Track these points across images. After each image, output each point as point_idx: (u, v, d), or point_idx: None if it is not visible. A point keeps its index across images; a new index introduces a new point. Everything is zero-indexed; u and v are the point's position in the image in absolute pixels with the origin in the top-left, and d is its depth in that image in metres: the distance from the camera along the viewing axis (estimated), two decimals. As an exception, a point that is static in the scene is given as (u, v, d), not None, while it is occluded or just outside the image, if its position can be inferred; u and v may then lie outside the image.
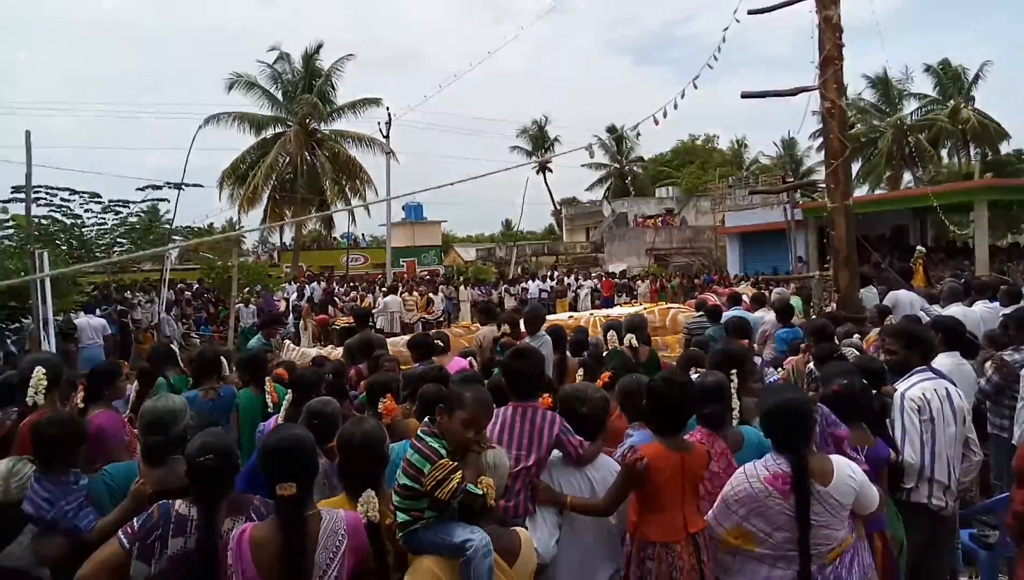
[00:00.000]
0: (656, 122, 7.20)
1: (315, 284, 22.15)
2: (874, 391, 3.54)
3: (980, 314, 7.19)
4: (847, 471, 2.59)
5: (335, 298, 19.67)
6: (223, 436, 2.60)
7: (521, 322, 6.45)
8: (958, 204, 20.48)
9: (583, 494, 2.89)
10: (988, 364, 5.02)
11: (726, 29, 7.47)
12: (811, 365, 5.21)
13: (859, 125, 35.22)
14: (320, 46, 29.69)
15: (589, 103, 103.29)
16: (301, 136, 28.08)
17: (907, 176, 37.42)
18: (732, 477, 2.68)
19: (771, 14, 7.84)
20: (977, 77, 36.01)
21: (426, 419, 2.50)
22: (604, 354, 5.86)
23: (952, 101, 35.49)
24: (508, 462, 2.60)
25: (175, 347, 7.90)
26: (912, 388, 3.49)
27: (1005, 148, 36.00)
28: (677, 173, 46.56)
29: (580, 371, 4.63)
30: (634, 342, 5.41)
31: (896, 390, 3.58)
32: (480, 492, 2.23)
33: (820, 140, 40.79)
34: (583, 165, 50.85)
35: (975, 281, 8.27)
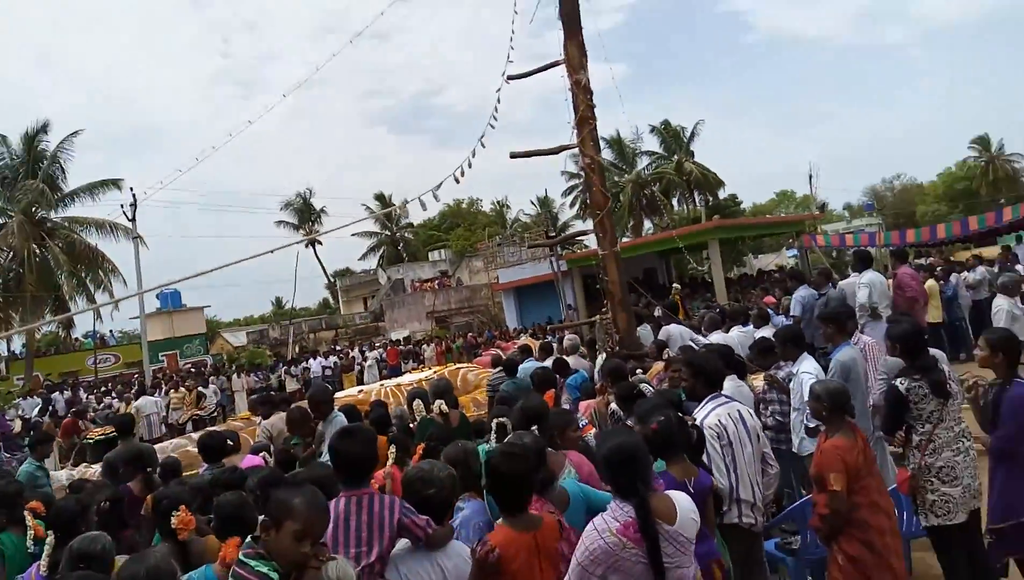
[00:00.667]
0: (457, 181, 7.27)
1: (57, 394, 19.20)
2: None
3: (737, 338, 8.05)
4: (687, 505, 2.60)
5: (84, 409, 17.14)
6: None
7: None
8: (695, 244, 23.18)
9: (434, 587, 2.61)
10: (759, 382, 5.57)
11: (499, 90, 7.81)
12: (612, 405, 5.40)
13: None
14: (45, 125, 26.44)
15: (352, 173, 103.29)
16: (26, 226, 24.51)
17: (647, 224, 41.97)
18: (583, 537, 2.55)
19: (515, 85, 8.34)
20: (693, 134, 41.72)
21: (248, 539, 2.09)
22: (413, 425, 5.61)
23: (676, 156, 40.69)
24: (352, 571, 2.25)
25: None
26: (708, 416, 3.69)
27: (723, 193, 41.81)
28: (446, 236, 47.82)
29: (392, 448, 4.33)
30: (444, 408, 5.22)
31: (693, 418, 3.78)
32: None
33: (571, 196, 44.86)
34: (354, 234, 50.34)
35: (728, 310, 9.26)
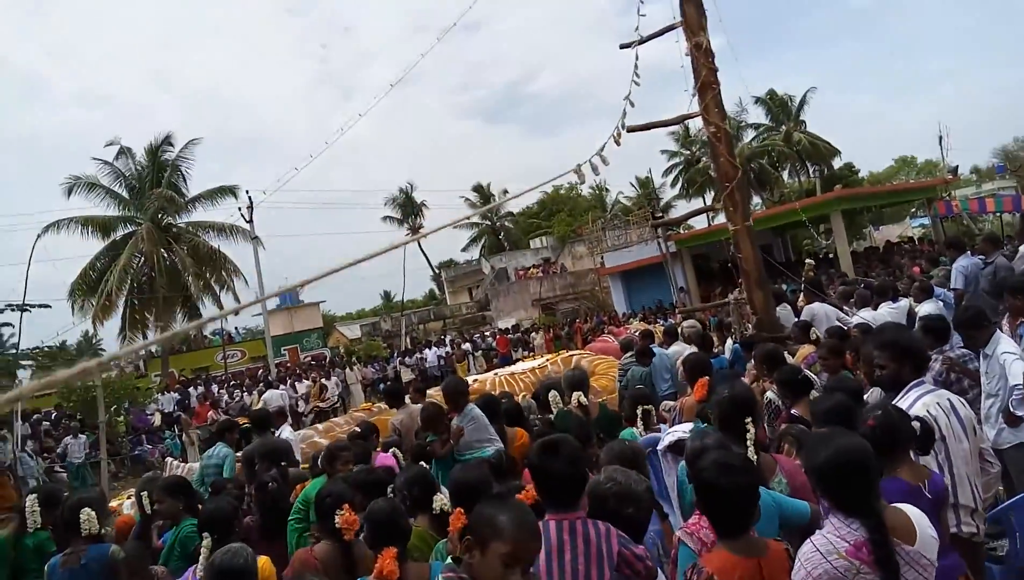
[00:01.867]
0: (617, 143, 6.94)
1: (192, 388, 20.33)
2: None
3: (888, 315, 7.31)
4: (924, 520, 2.16)
5: (217, 400, 18.06)
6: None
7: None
8: (814, 217, 21.81)
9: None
10: (937, 363, 4.92)
11: (635, 47, 7.40)
12: (769, 394, 4.92)
13: (705, 159, 37.51)
14: (168, 137, 28.10)
15: (449, 166, 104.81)
16: (155, 233, 26.13)
17: (755, 199, 40.08)
18: (801, 560, 2.14)
19: (609, 66, 7.90)
20: (803, 103, 39.42)
21: (448, 561, 1.84)
22: (551, 417, 5.32)
23: (784, 127, 38.61)
24: None
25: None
26: (915, 406, 3.15)
27: (838, 163, 39.32)
28: (547, 223, 47.53)
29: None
30: (583, 400, 4.89)
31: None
32: None
33: (672, 175, 43.52)
34: (456, 226, 50.94)
35: (875, 285, 8.47)
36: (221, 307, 29.90)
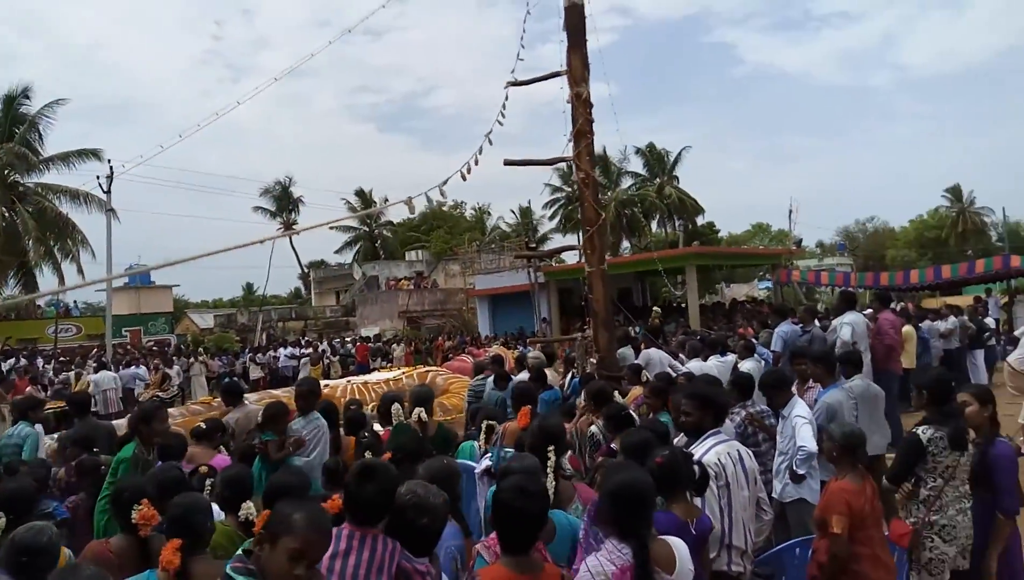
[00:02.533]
0: (464, 178, 7.10)
1: (12, 361, 18.56)
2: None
3: (715, 367, 7.98)
4: (685, 554, 2.46)
5: (40, 378, 16.59)
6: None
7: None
8: (672, 268, 23.27)
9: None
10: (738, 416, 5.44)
11: (507, 87, 7.68)
12: (594, 427, 5.26)
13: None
14: (26, 89, 25.83)
15: (334, 166, 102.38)
16: (-1, 189, 23.85)
17: (625, 244, 42.14)
18: (577, 578, 2.39)
19: (509, 96, 8.24)
20: (678, 159, 42.03)
21: (239, 551, 1.91)
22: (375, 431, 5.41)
23: (658, 180, 41.00)
24: None
25: None
26: (708, 453, 3.54)
27: (701, 220, 42.17)
28: (426, 237, 47.53)
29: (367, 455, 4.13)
30: (422, 416, 5.02)
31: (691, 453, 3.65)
32: None
33: (553, 209, 44.92)
34: (331, 227, 49.75)
35: (708, 338, 9.22)
36: (61, 276, 27.53)
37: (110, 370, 17.02)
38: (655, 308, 13.63)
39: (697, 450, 3.61)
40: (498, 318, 27.82)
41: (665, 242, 39.13)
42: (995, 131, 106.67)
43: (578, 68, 7.54)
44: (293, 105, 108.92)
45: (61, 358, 20.85)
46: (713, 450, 3.55)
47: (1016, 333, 10.95)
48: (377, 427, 5.58)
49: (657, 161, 42.16)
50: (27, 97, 25.85)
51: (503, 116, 7.71)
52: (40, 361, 20.16)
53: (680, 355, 9.15)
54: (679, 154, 42.20)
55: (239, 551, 1.95)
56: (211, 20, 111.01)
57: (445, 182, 6.67)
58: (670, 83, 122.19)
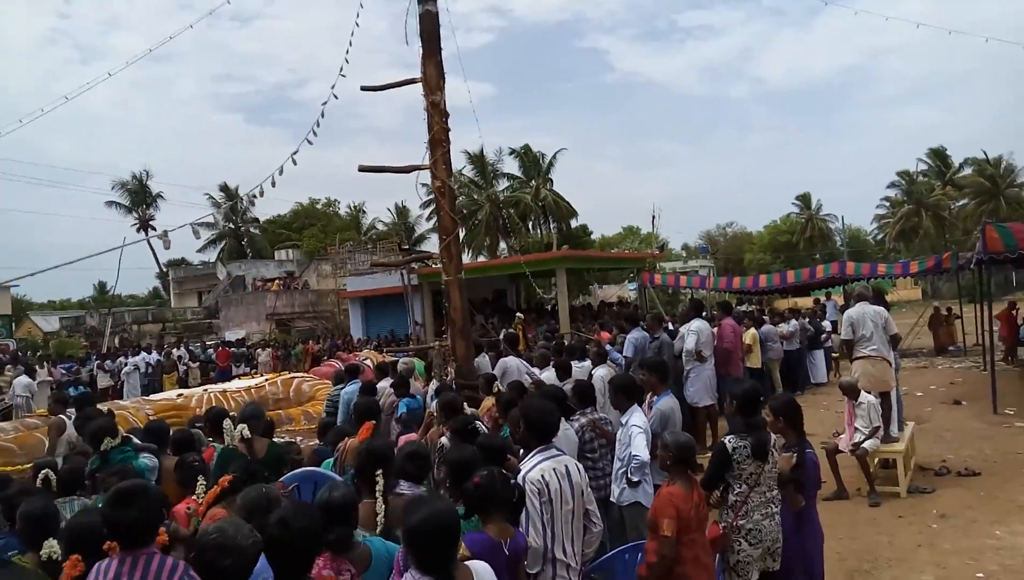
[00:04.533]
0: (262, 193, 6.86)
1: None
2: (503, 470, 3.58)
3: (572, 373, 8.19)
4: (488, 577, 2.49)
5: None
6: None
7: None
8: (543, 270, 23.74)
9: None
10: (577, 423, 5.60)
11: (324, 104, 7.51)
12: (443, 439, 5.25)
13: (461, 197, 39.16)
14: None
15: (197, 158, 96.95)
16: None
17: (502, 244, 42.63)
18: None
19: (386, 93, 8.14)
20: (552, 162, 42.93)
21: None
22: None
23: (534, 182, 41.70)
24: None
25: None
26: (533, 470, 3.59)
27: (575, 222, 43.29)
28: (297, 235, 45.99)
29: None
30: (246, 433, 4.78)
31: (519, 468, 3.71)
32: None
33: (429, 209, 44.69)
34: (194, 224, 47.15)
35: (567, 345, 9.45)
36: None
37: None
38: (518, 314, 13.86)
39: (525, 465, 3.68)
40: (371, 321, 27.34)
41: (541, 244, 39.85)
42: (839, 143, 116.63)
43: (433, 76, 7.52)
44: (151, 91, 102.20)
45: None
46: (539, 467, 3.61)
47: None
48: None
49: (532, 163, 42.88)
50: None
51: (315, 133, 7.57)
52: None
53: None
54: (554, 157, 43.17)
55: None
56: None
57: (253, 190, 6.47)
58: (545, 86, 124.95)
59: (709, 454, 4.81)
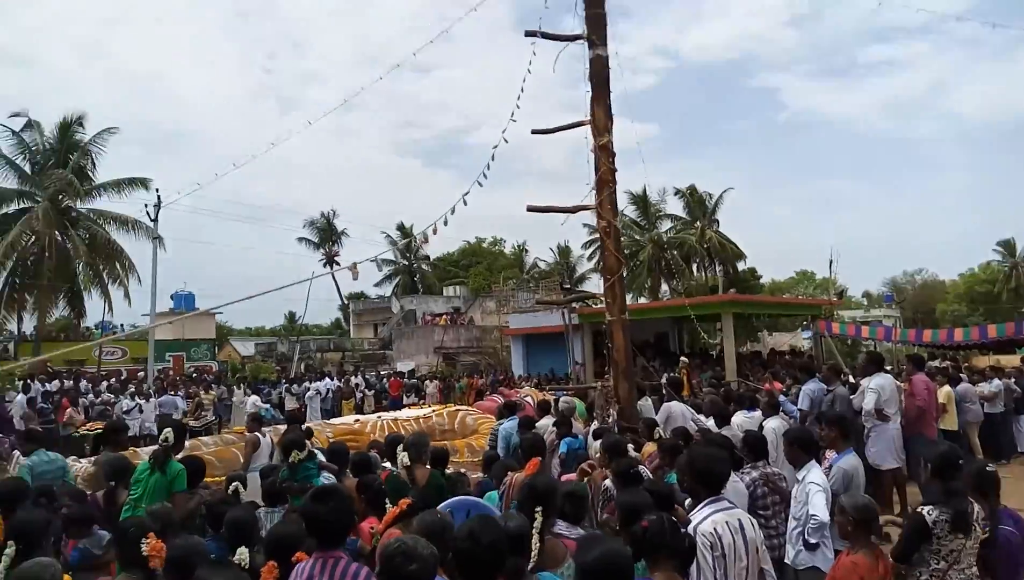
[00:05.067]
0: (435, 231, 7.22)
1: (56, 383, 19.12)
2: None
3: (738, 424, 7.83)
4: None
5: (76, 399, 17.05)
6: None
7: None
8: (708, 314, 22.99)
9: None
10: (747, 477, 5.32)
11: (495, 147, 7.81)
12: (606, 482, 5.21)
13: (623, 237, 38.98)
14: (81, 118, 26.98)
15: (378, 199, 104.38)
16: (51, 214, 24.84)
17: (664, 286, 41.84)
18: None
19: (552, 137, 8.38)
20: (718, 203, 41.76)
21: None
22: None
23: (699, 223, 40.73)
24: None
25: None
26: (704, 522, 3.47)
27: (743, 265, 41.66)
28: (464, 273, 47.95)
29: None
30: (405, 461, 5.01)
31: (689, 519, 3.59)
32: None
33: (591, 249, 44.88)
34: (371, 261, 50.62)
35: (734, 392, 9.07)
36: (109, 301, 28.29)
37: (150, 398, 17.39)
38: (682, 358, 13.46)
39: (695, 516, 3.56)
40: (532, 358, 27.77)
41: (706, 287, 38.70)
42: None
43: (601, 118, 7.64)
44: (340, 138, 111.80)
45: (104, 383, 21.34)
46: (711, 519, 3.48)
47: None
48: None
49: (698, 204, 41.97)
50: (81, 125, 26.95)
51: (485, 176, 7.84)
52: (85, 382, 20.73)
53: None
54: (720, 197, 42.00)
55: None
56: (263, 53, 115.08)
57: (425, 229, 6.83)
58: (712, 126, 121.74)
59: (891, 518, 4.40)
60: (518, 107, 7.82)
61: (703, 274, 42.36)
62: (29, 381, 18.34)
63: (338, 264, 50.44)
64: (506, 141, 7.76)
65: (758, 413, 8.06)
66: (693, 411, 8.12)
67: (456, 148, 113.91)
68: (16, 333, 30.49)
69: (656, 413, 8.15)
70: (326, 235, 50.25)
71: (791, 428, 5.76)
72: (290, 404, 21.36)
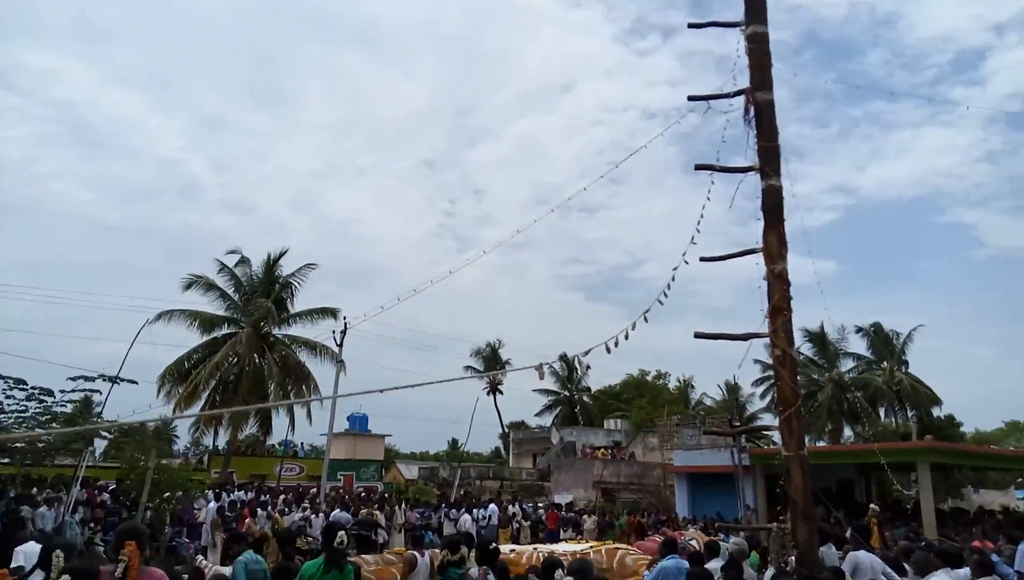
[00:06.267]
0: (608, 350, 7.16)
1: (239, 492, 20.61)
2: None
3: (940, 583, 6.82)
4: None
5: (255, 511, 18.18)
6: None
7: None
8: (901, 463, 20.70)
9: None
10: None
11: (675, 269, 7.77)
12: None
13: (800, 377, 36.62)
14: (284, 252, 30.52)
15: (542, 331, 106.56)
16: (253, 338, 27.81)
17: (847, 431, 38.38)
18: None
19: (718, 266, 8.28)
20: (907, 342, 38.43)
21: None
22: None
23: (886, 363, 37.53)
24: None
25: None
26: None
27: (937, 412, 37.49)
28: (626, 406, 46.99)
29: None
30: None
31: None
32: None
33: (763, 387, 42.51)
34: (534, 390, 51.18)
35: (937, 548, 7.97)
36: (293, 419, 30.76)
37: (319, 513, 18.24)
38: (872, 506, 12.06)
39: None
40: (697, 499, 26.18)
41: (896, 434, 35.06)
42: None
43: (775, 245, 7.49)
44: (509, 274, 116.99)
45: (283, 495, 22.67)
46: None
47: None
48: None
49: (883, 343, 38.85)
50: (281, 261, 30.41)
51: (665, 295, 7.75)
52: (264, 496, 22.15)
53: (904, 564, 7.96)
54: (909, 335, 38.68)
55: None
56: (446, 199, 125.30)
57: (587, 353, 6.84)
58: (897, 263, 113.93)
59: None
60: (694, 242, 7.85)
61: (892, 419, 38.53)
62: (220, 491, 19.95)
63: (501, 392, 51.56)
64: (686, 262, 7.76)
65: (965, 570, 7.02)
66: (884, 563, 7.22)
67: (619, 283, 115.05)
68: (211, 446, 33.69)
69: (841, 563, 7.32)
70: (491, 364, 51.76)
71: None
72: (448, 529, 21.44)
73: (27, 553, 7.02)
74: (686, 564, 7.13)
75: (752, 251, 7.70)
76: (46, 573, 4.31)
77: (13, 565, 7.03)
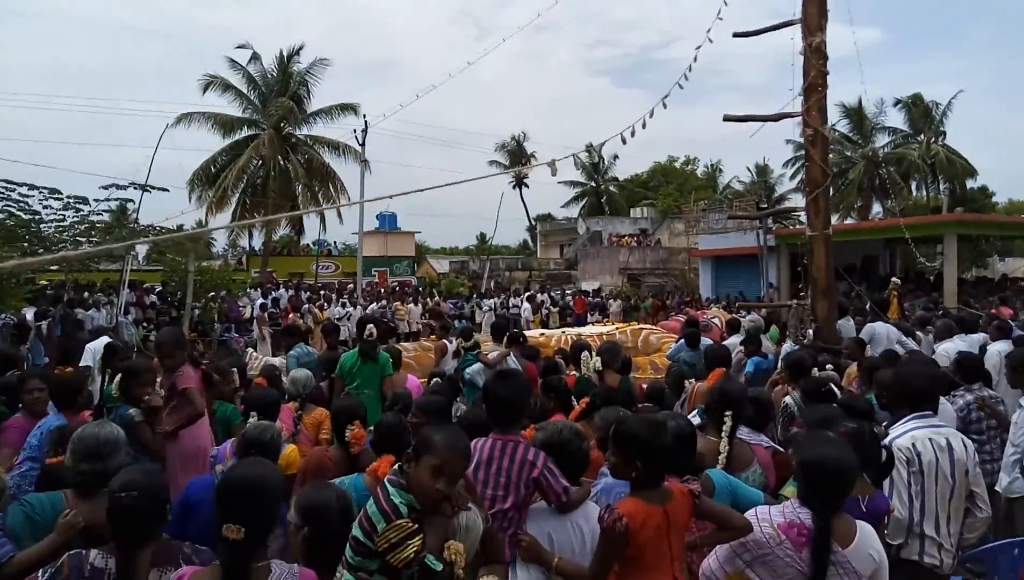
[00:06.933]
0: (624, 141, 6.94)
1: (282, 291, 21.63)
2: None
3: (954, 347, 7.09)
4: (870, 539, 2.42)
5: (299, 307, 19.20)
6: (152, 473, 2.31)
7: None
8: (927, 236, 20.73)
9: (576, 548, 2.64)
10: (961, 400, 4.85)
11: (698, 48, 7.31)
12: (788, 398, 5.04)
13: (832, 154, 35.66)
14: (300, 48, 29.29)
15: (568, 121, 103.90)
16: (275, 140, 27.57)
17: (876, 207, 38.04)
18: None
19: (750, 42, 7.78)
20: (946, 112, 36.65)
21: (395, 466, 2.23)
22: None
23: (922, 136, 36.16)
24: (480, 526, 2.28)
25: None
26: (902, 437, 3.28)
27: (971, 184, 36.70)
28: (653, 194, 46.76)
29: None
30: (598, 366, 5.17)
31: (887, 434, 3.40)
32: (440, 567, 1.94)
33: (794, 168, 41.68)
34: (560, 182, 50.88)
35: (955, 316, 8.21)
36: (323, 221, 31.44)
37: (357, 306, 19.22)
38: (894, 279, 12.22)
39: (893, 431, 3.37)
40: (721, 280, 26.86)
41: (927, 207, 34.68)
42: None
43: (814, 16, 6.94)
44: (531, 61, 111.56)
45: (323, 291, 23.73)
46: (909, 434, 3.29)
47: None
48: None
49: (922, 115, 37.11)
50: (298, 55, 29.28)
51: (686, 78, 7.34)
52: (304, 293, 23.24)
53: (917, 333, 8.24)
54: (949, 104, 36.72)
55: (395, 467, 2.23)
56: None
57: (602, 145, 6.66)
58: (945, 26, 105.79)
59: None
60: (725, 3, 7.25)
61: (923, 193, 37.93)
62: (264, 289, 20.96)
63: (526, 185, 51.48)
64: (711, 41, 7.26)
65: (979, 336, 7.28)
66: (900, 334, 7.49)
67: (648, 65, 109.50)
68: (247, 248, 34.77)
69: (858, 334, 7.61)
70: (516, 158, 51.12)
71: (1014, 350, 5.16)
72: (479, 317, 22.56)
73: (95, 350, 7.59)
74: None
75: (788, 23, 7.17)
76: (105, 375, 4.67)
77: (82, 364, 7.63)
